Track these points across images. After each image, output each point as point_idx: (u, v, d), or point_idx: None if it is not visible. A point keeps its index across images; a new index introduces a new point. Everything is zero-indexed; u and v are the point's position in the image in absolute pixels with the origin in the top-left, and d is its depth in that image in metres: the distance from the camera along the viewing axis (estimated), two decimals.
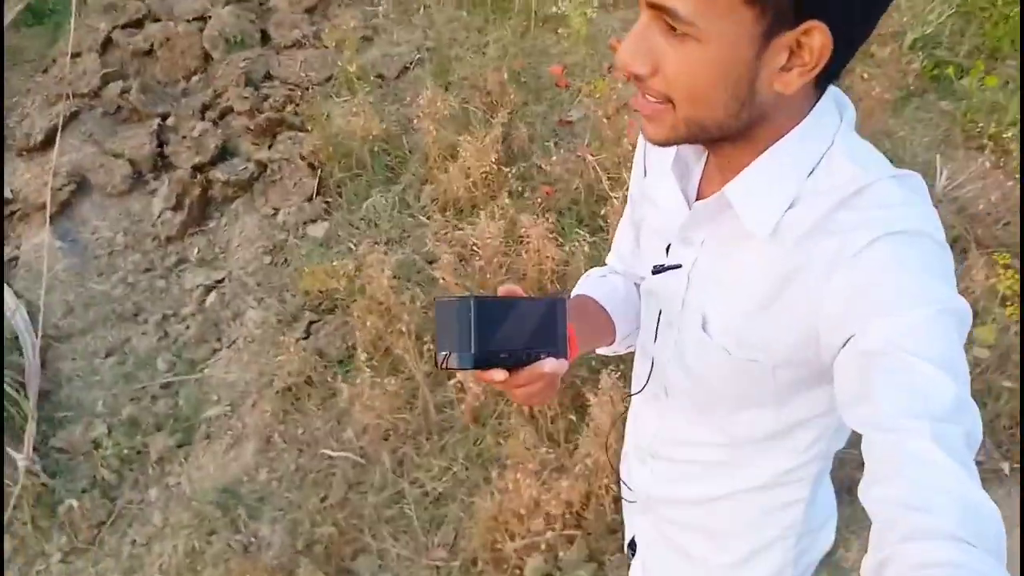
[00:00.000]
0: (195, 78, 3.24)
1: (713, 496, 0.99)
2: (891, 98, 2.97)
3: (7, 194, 2.90)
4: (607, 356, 1.38)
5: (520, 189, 2.77)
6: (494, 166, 2.66)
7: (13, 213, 2.89)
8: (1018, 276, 2.41)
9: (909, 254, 0.68)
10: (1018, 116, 3.04)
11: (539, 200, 2.72)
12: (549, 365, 0.78)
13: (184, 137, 3.01)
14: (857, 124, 0.78)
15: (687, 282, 0.86)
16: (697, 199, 0.85)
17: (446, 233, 2.67)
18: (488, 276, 2.43)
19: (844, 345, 0.69)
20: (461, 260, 2.53)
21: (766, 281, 0.77)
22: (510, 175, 2.76)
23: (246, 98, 3.06)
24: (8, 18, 3.33)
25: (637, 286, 1.07)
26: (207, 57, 3.25)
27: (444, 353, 0.75)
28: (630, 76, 0.70)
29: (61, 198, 2.87)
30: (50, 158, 2.91)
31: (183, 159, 2.95)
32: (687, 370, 0.90)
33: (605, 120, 2.78)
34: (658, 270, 0.89)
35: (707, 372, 0.88)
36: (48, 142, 2.99)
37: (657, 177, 0.91)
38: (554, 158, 2.78)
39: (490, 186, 2.71)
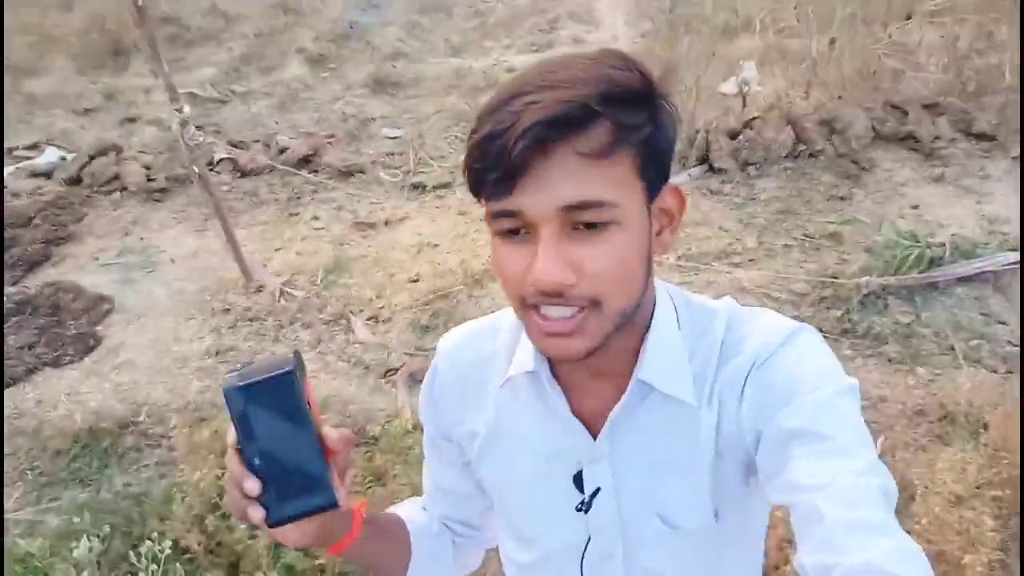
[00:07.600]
0: None
1: None
2: None
3: None
4: None
5: None
6: None
7: None
8: None
9: (801, 350, 0.73)
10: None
11: None
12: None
13: None
14: None
15: (616, 496, 0.79)
16: (574, 412, 0.79)
17: None
18: None
19: (764, 437, 0.72)
20: None
21: (707, 442, 0.75)
22: None
23: None
24: None
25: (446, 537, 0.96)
26: None
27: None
28: (556, 292, 0.65)
29: None
30: None
31: None
32: None
33: None
34: (586, 506, 0.80)
35: (684, 560, 0.82)
36: None
37: (486, 412, 0.84)
38: None
39: None
